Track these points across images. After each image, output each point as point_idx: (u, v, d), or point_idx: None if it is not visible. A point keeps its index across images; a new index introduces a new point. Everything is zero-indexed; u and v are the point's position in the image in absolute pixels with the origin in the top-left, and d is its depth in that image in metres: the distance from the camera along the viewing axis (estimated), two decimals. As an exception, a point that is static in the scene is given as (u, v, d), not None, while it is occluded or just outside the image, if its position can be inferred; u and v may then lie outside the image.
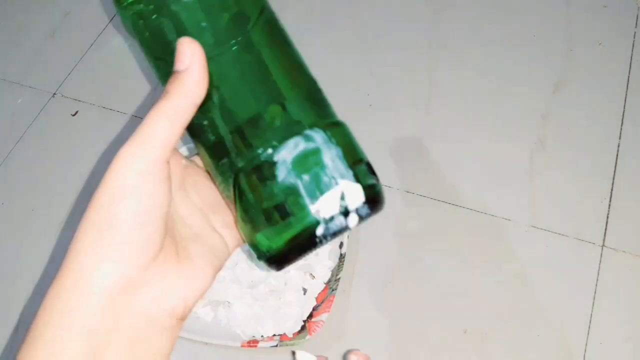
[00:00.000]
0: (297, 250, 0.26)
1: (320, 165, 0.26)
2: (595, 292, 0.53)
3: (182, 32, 0.26)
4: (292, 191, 0.25)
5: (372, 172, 0.28)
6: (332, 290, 0.52)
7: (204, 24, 0.27)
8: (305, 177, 0.25)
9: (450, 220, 0.58)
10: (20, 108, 0.71)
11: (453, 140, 0.63)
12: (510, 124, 0.63)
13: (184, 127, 0.25)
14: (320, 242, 0.26)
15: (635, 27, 0.68)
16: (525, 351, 0.52)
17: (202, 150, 0.28)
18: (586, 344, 0.51)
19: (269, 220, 0.26)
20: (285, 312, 0.53)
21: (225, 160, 0.27)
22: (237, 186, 0.26)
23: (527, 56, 0.67)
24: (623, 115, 0.62)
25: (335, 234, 0.26)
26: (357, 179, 0.26)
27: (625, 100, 0.63)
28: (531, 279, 0.54)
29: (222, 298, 0.54)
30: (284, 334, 0.52)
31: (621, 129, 0.61)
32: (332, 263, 0.54)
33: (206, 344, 0.52)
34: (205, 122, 0.27)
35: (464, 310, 0.53)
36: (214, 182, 0.28)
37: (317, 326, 0.51)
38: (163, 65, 0.27)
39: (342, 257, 0.53)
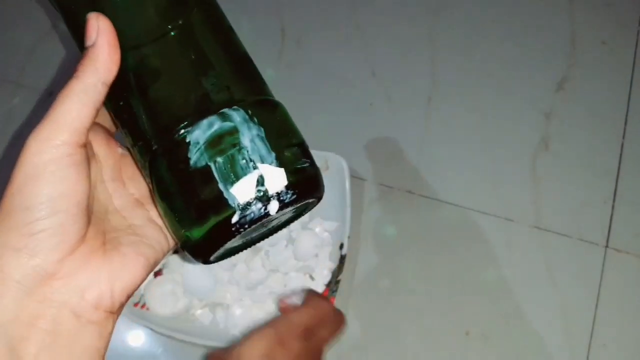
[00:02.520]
0: (217, 240, 0.24)
1: (237, 146, 0.23)
2: (598, 294, 0.53)
3: (110, 17, 0.24)
4: (205, 175, 0.23)
5: (304, 154, 0.25)
6: (333, 292, 0.52)
7: (131, 7, 0.25)
8: (219, 159, 0.23)
9: (452, 220, 0.57)
10: (16, 107, 0.70)
11: (455, 140, 0.62)
12: (513, 123, 0.63)
13: (96, 107, 0.24)
14: (238, 231, 0.23)
15: (639, 25, 0.67)
16: (528, 353, 0.51)
17: (124, 132, 0.26)
18: (589, 346, 0.51)
19: (184, 207, 0.24)
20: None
21: (141, 143, 0.25)
22: (152, 169, 0.24)
23: (530, 54, 0.67)
24: (627, 114, 0.62)
25: (254, 221, 0.23)
26: (281, 162, 0.23)
27: (629, 100, 0.62)
28: (534, 280, 0.54)
29: (221, 300, 0.54)
30: (284, 336, 0.51)
31: (625, 128, 0.61)
32: (333, 264, 0.54)
33: (204, 346, 0.52)
34: (122, 103, 0.25)
35: (466, 312, 0.53)
36: (137, 167, 0.27)
37: (317, 329, 0.50)
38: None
39: (342, 258, 0.53)
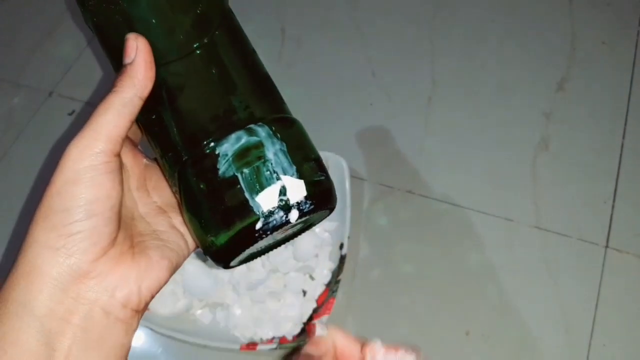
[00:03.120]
0: (240, 245, 0.26)
1: (263, 159, 0.25)
2: (598, 294, 0.53)
3: (142, 34, 0.26)
4: (232, 185, 0.25)
5: (320, 168, 0.28)
6: (333, 292, 0.52)
7: (161, 27, 0.27)
8: (246, 170, 0.25)
9: (452, 221, 0.57)
10: (17, 107, 0.70)
11: (455, 140, 0.62)
12: (513, 123, 0.63)
13: (131, 119, 0.25)
14: (261, 236, 0.25)
15: (639, 25, 0.67)
16: (528, 353, 0.51)
17: (153, 144, 0.28)
18: (589, 346, 0.51)
19: (210, 214, 0.26)
20: (284, 315, 0.52)
21: (171, 154, 0.27)
22: (181, 179, 0.26)
23: (530, 55, 0.67)
24: (627, 114, 0.62)
25: (276, 228, 0.25)
26: (301, 175, 0.26)
27: (629, 99, 0.62)
28: (534, 280, 0.54)
29: (221, 300, 0.54)
30: (284, 336, 0.51)
31: (625, 128, 0.61)
32: (333, 264, 0.54)
33: (204, 346, 0.52)
34: (154, 116, 0.27)
35: (467, 312, 0.53)
36: (164, 177, 0.29)
37: (317, 329, 0.50)
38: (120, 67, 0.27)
39: (342, 258, 0.53)
